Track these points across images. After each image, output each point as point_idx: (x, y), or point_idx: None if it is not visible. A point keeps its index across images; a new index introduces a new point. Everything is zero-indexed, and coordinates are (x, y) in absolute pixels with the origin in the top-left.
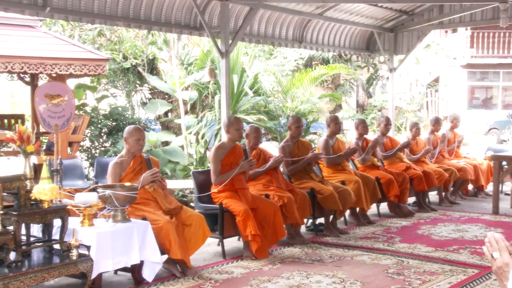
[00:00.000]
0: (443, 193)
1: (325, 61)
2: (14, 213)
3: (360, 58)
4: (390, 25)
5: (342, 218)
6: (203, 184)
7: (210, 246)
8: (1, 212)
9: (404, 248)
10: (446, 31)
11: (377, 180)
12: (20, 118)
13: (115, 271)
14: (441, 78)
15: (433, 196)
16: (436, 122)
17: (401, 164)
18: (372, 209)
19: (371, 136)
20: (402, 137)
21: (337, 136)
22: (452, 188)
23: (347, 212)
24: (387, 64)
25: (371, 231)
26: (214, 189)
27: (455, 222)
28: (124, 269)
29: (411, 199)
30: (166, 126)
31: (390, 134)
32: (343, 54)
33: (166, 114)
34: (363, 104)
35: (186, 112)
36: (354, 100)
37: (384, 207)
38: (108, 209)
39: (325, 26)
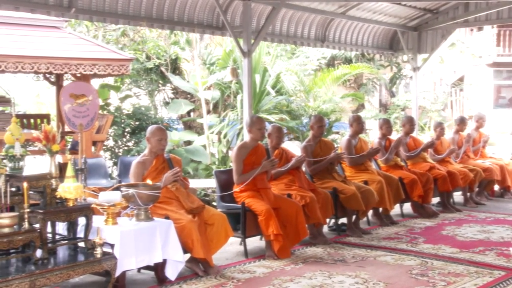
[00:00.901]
0: (468, 194)
1: (348, 60)
2: (40, 211)
3: (383, 57)
4: (414, 24)
5: (365, 218)
6: (225, 183)
7: (233, 245)
8: (28, 210)
9: (428, 249)
10: (472, 29)
11: (401, 180)
12: (45, 117)
13: (139, 269)
14: (466, 77)
15: (458, 196)
16: (461, 122)
17: (425, 164)
18: (396, 210)
19: (394, 136)
20: (425, 137)
21: (360, 135)
22: (477, 189)
23: (370, 212)
24: (410, 63)
25: (394, 231)
26: (236, 189)
27: (481, 223)
28: (148, 268)
29: (435, 200)
30: (189, 126)
31: (413, 134)
32: (366, 53)
33: (188, 113)
34: (386, 103)
35: (208, 112)
36: (377, 100)
37: (407, 207)
38: (132, 208)
39: (347, 25)
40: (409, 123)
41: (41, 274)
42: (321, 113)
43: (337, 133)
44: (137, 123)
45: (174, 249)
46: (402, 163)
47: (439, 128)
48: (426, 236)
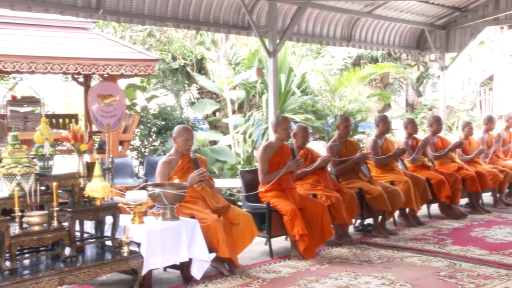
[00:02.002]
0: (498, 195)
1: (374, 60)
2: (68, 210)
3: (410, 57)
4: (442, 22)
5: (391, 219)
6: (250, 183)
7: (258, 245)
8: (57, 208)
9: (457, 250)
10: (502, 27)
11: (428, 180)
12: (74, 117)
13: (165, 268)
14: (496, 76)
15: (487, 197)
16: (489, 121)
17: (453, 165)
18: (423, 210)
19: (421, 136)
20: (453, 137)
21: (386, 136)
22: (507, 190)
23: (397, 213)
24: (438, 62)
25: (421, 232)
26: (261, 188)
27: (511, 224)
28: (173, 267)
29: (464, 201)
30: (214, 126)
31: (441, 134)
32: (392, 53)
33: (214, 113)
34: (413, 103)
35: (233, 112)
36: (404, 99)
37: (435, 208)
38: (158, 207)
39: (374, 24)
40: (437, 123)
41: (70, 271)
42: (347, 113)
43: (363, 133)
44: (163, 123)
45: (200, 248)
46: (429, 163)
47: (468, 127)
48: (454, 238)
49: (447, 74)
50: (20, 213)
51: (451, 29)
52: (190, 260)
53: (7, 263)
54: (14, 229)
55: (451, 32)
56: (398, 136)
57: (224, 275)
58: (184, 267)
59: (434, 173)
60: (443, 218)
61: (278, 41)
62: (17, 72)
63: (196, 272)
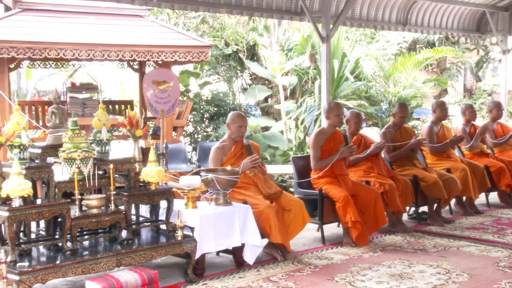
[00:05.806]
0: None
1: (431, 44)
2: (125, 193)
3: (469, 40)
4: (505, 3)
5: (447, 207)
6: (302, 169)
7: (310, 231)
8: (114, 192)
9: None
10: None
11: (487, 168)
12: (129, 103)
13: (217, 253)
14: None
15: None
16: None
17: None
18: (481, 199)
19: (479, 122)
20: None
21: (443, 122)
22: None
23: (453, 201)
24: (500, 46)
25: (479, 221)
26: (314, 175)
27: None
28: (226, 251)
29: None
30: (266, 112)
31: (501, 120)
32: (450, 36)
33: (266, 99)
34: (471, 88)
35: (286, 98)
36: (461, 85)
37: (494, 197)
38: (211, 192)
39: (431, 7)
40: (496, 108)
41: (127, 253)
42: (401, 99)
43: (418, 119)
44: (215, 109)
45: (252, 233)
46: (488, 151)
47: None
48: None
49: (509, 58)
50: (79, 196)
51: None
52: (243, 245)
53: (68, 244)
54: (74, 211)
55: None
56: (455, 123)
57: (277, 260)
58: (237, 252)
59: (493, 160)
60: (503, 207)
61: (331, 26)
62: (76, 59)
63: (249, 257)
